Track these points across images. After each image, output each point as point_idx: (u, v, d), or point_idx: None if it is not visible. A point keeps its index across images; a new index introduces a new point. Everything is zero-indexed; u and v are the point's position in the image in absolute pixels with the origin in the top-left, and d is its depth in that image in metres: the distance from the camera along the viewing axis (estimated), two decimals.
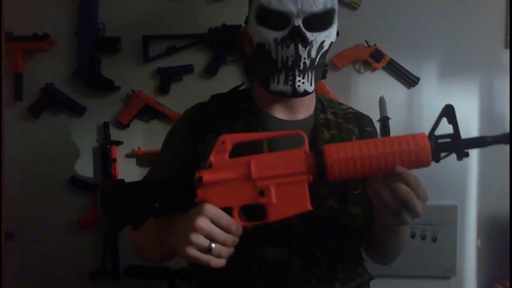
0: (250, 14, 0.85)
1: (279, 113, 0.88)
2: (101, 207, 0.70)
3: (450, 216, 1.58)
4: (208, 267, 0.65)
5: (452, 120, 0.66)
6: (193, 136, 0.86)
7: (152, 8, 1.62)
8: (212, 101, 0.94)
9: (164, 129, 1.61)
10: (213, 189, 0.68)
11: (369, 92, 1.61)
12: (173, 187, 0.72)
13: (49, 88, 1.62)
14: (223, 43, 1.59)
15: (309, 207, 0.67)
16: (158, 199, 0.71)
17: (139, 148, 1.63)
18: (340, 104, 1.00)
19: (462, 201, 1.61)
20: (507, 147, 0.70)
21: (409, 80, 1.59)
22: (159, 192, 0.72)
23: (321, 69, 0.86)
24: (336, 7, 0.83)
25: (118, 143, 1.63)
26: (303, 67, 0.80)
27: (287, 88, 0.81)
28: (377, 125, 1.60)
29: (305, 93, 0.82)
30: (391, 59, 1.58)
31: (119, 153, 1.63)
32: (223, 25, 1.58)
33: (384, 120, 1.59)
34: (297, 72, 0.80)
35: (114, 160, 1.61)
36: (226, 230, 0.66)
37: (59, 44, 1.63)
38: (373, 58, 1.58)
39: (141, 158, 1.64)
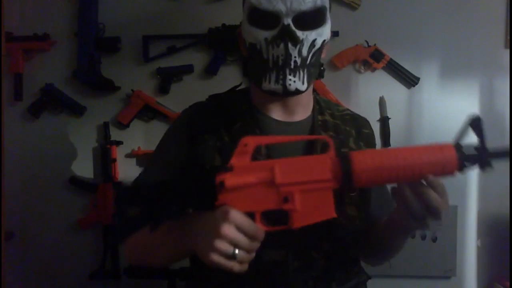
0: (243, 15, 0.85)
1: (277, 113, 0.88)
2: (117, 210, 0.69)
3: (450, 216, 1.58)
4: (231, 273, 0.65)
5: (478, 131, 0.66)
6: (192, 136, 0.86)
7: (152, 8, 1.62)
8: (210, 101, 0.94)
9: (164, 129, 1.56)
10: (235, 194, 0.67)
11: (369, 92, 1.61)
12: (193, 190, 0.70)
13: (49, 88, 1.62)
14: (223, 43, 1.59)
15: (334, 214, 0.67)
16: (176, 201, 0.70)
17: (139, 148, 1.63)
18: (338, 105, 1.00)
19: (462, 201, 1.61)
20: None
21: (409, 80, 1.59)
22: (177, 194, 0.70)
23: (316, 68, 0.85)
24: (327, 4, 0.83)
25: (118, 143, 1.63)
26: (294, 66, 0.80)
27: (278, 87, 0.81)
28: (377, 125, 1.60)
29: (297, 91, 0.82)
30: (391, 59, 1.58)
31: (119, 153, 1.63)
32: (223, 25, 1.58)
33: (384, 120, 1.59)
34: (287, 71, 0.80)
35: (114, 160, 1.61)
36: (251, 237, 0.65)
37: (59, 44, 1.63)
38: (373, 58, 1.57)
39: (141, 158, 1.64)
